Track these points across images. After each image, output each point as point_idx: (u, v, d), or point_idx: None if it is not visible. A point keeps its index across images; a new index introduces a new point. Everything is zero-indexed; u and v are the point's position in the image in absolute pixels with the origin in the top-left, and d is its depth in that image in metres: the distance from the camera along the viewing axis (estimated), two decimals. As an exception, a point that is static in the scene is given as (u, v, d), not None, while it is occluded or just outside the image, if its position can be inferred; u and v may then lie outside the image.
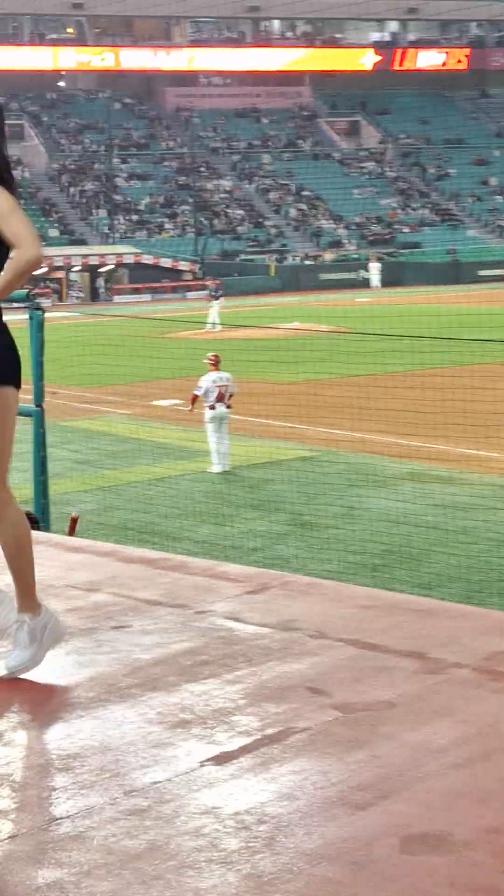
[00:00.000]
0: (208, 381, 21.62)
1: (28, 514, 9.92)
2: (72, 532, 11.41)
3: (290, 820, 3.75)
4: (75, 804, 3.95)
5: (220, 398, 21.46)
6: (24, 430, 11.85)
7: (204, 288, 71.70)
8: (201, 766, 4.19)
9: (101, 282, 74.68)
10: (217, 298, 50.36)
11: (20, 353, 5.10)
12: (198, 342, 35.77)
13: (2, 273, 4.90)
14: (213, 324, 46.35)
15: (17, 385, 5.03)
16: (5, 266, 4.90)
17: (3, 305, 5.07)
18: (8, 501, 5.00)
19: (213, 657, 5.25)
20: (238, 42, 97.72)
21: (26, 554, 5.06)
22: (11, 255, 4.84)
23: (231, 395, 21.61)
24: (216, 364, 21.97)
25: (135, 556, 7.21)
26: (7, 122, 5.27)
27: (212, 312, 48.63)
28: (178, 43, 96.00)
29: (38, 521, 10.13)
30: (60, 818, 3.86)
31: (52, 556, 7.11)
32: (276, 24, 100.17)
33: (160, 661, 5.24)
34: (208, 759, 4.23)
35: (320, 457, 21.17)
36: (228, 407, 21.61)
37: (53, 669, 5.19)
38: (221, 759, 4.23)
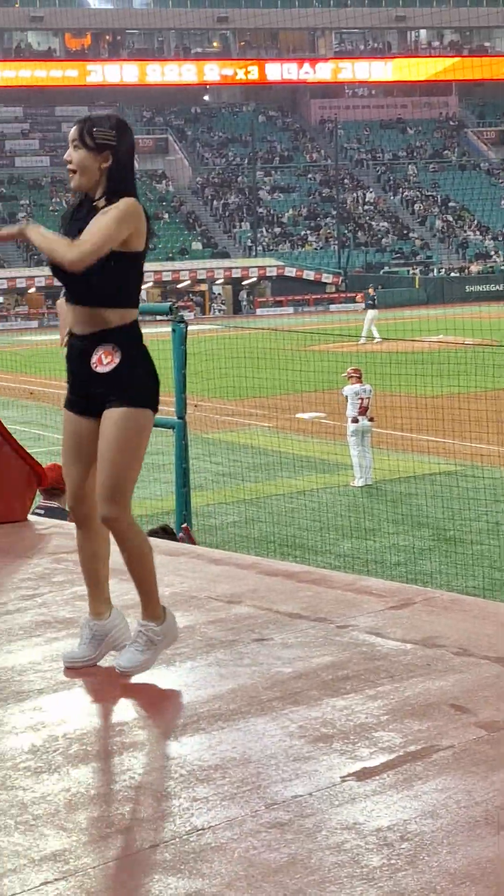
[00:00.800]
0: (351, 393, 21.59)
1: (164, 527, 10.01)
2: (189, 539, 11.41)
3: (434, 838, 3.72)
4: (216, 815, 3.97)
5: (362, 411, 21.41)
6: (166, 441, 11.97)
7: (350, 301, 71.70)
8: (343, 781, 4.17)
9: (243, 294, 75.00)
10: (373, 307, 49.59)
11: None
12: (341, 354, 35.73)
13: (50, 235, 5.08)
14: (369, 336, 45.88)
15: (155, 409, 5.18)
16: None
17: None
18: (132, 523, 5.15)
19: (355, 672, 5.23)
20: (384, 53, 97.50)
21: (147, 563, 5.22)
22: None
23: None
24: (359, 377, 21.93)
25: (276, 568, 7.22)
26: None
27: (367, 322, 48.01)
28: (324, 55, 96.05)
29: (174, 533, 10.18)
30: (202, 829, 3.88)
31: (193, 567, 7.15)
32: (423, 33, 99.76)
33: (301, 674, 5.23)
34: (350, 775, 4.22)
35: (465, 471, 21.00)
36: (371, 420, 21.56)
37: (196, 680, 5.23)
38: (363, 775, 4.21)
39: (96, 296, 5.05)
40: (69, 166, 5.18)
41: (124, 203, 5.04)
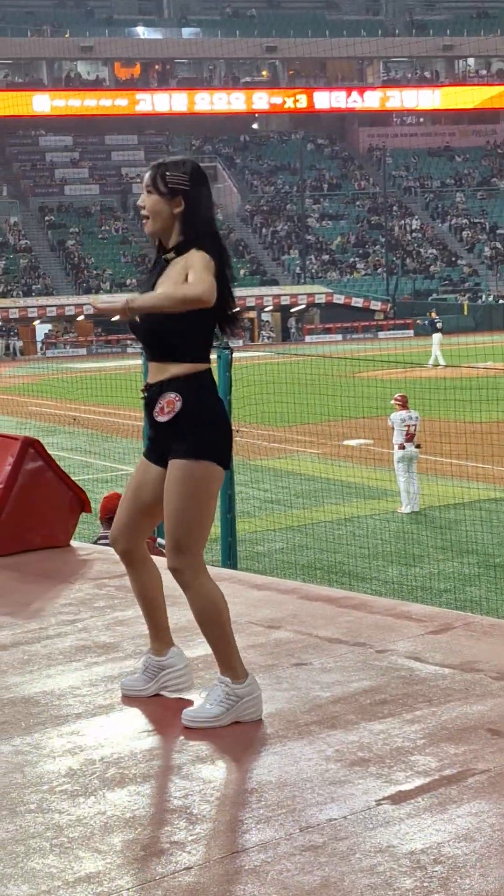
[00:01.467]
0: (397, 419, 21.56)
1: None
2: None
3: (467, 861, 3.72)
4: (251, 838, 3.98)
5: (409, 438, 21.39)
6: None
7: (399, 327, 71.66)
8: (378, 804, 4.18)
9: (292, 322, 75.13)
10: (438, 331, 49.38)
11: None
12: (389, 381, 35.71)
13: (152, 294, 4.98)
14: (435, 362, 45.83)
15: (221, 462, 5.06)
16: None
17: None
18: (200, 576, 5.04)
19: (393, 696, 5.23)
20: (432, 81, 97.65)
21: (222, 623, 5.07)
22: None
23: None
24: (404, 404, 21.91)
25: (317, 593, 7.23)
26: (201, 164, 5.35)
27: (434, 348, 47.88)
28: (372, 83, 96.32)
29: None
30: (236, 851, 3.89)
31: (235, 592, 7.16)
32: (471, 62, 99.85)
33: (339, 698, 5.24)
34: (385, 798, 4.22)
35: (511, 497, 20.93)
36: (418, 447, 21.52)
37: (234, 705, 5.23)
38: (398, 798, 4.21)
39: (167, 348, 5.03)
40: (142, 212, 5.11)
41: (199, 255, 4.94)
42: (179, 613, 6.63)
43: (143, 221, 5.12)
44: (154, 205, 5.06)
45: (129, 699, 5.37)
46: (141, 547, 5.34)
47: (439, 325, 49.69)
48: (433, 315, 52.40)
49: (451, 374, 35.92)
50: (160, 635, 5.38)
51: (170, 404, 5.01)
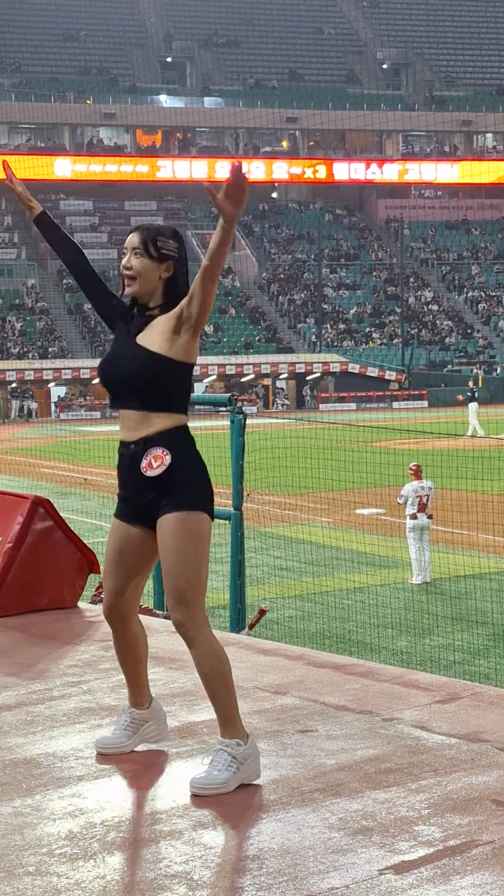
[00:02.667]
0: (410, 490, 21.51)
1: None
2: (254, 624, 11.40)
3: (469, 935, 3.66)
4: (251, 906, 3.92)
5: (421, 508, 21.33)
6: (222, 532, 11.96)
7: (413, 398, 71.76)
8: (381, 874, 4.12)
9: (307, 389, 75.29)
10: (473, 399, 49.29)
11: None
12: (403, 451, 35.70)
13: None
14: (474, 432, 45.70)
15: (210, 513, 5.12)
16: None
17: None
18: (204, 630, 5.03)
19: (399, 765, 5.18)
20: (450, 155, 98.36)
21: (227, 680, 5.06)
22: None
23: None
24: (417, 473, 21.87)
25: (324, 660, 7.18)
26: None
27: (471, 416, 47.74)
28: (391, 156, 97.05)
29: None
30: (235, 920, 3.83)
31: (242, 657, 7.12)
32: (489, 137, 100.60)
33: (345, 766, 5.19)
34: (388, 868, 4.16)
35: (523, 570, 20.82)
36: (430, 517, 21.46)
37: (237, 770, 5.18)
38: (401, 868, 4.15)
39: (150, 401, 5.06)
40: (128, 272, 5.17)
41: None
42: (185, 678, 6.61)
43: (127, 282, 5.19)
44: (144, 268, 5.16)
45: (130, 761, 5.32)
46: (135, 609, 5.36)
47: (473, 394, 49.61)
48: (471, 384, 52.60)
49: (468, 444, 35.92)
50: (144, 689, 5.44)
51: (158, 459, 5.04)
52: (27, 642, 7.63)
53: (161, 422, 5.06)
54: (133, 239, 5.21)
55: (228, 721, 5.05)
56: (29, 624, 8.04)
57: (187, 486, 5.04)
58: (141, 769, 5.26)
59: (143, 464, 5.06)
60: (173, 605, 5.02)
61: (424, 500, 21.37)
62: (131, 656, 5.36)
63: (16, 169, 5.87)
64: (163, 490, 5.03)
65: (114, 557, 5.23)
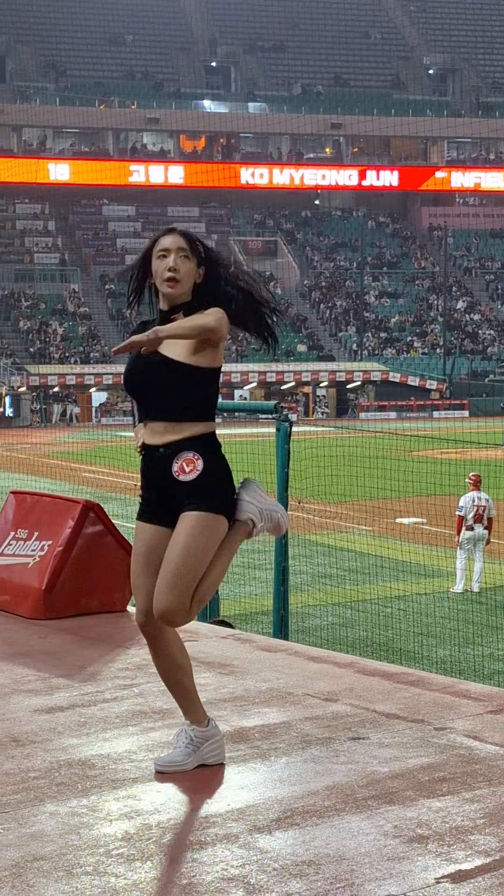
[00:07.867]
0: (468, 500, 21.39)
1: (222, 620, 9.99)
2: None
3: (528, 944, 3.67)
4: (309, 911, 3.94)
5: (478, 518, 21.25)
6: (266, 539, 11.98)
7: (454, 408, 71.52)
8: (437, 882, 4.13)
9: (347, 398, 75.20)
10: None
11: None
12: (444, 461, 35.60)
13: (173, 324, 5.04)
14: None
15: (230, 518, 5.18)
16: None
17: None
18: (189, 616, 5.12)
19: (452, 774, 5.19)
20: (496, 163, 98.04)
21: (190, 670, 5.29)
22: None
23: (490, 518, 21.32)
24: (476, 484, 21.74)
25: (374, 668, 7.19)
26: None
27: None
28: (435, 163, 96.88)
29: (232, 625, 10.09)
30: (294, 924, 3.85)
31: (291, 664, 7.14)
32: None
33: (398, 774, 5.20)
34: (445, 876, 4.17)
35: None
36: (486, 528, 21.35)
37: (290, 776, 5.21)
38: (458, 878, 4.16)
39: (181, 409, 5.08)
40: (174, 275, 5.09)
41: (218, 310, 5.09)
42: (235, 683, 6.64)
43: (170, 284, 5.11)
44: (189, 271, 5.14)
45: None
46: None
47: None
48: None
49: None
50: (197, 704, 5.36)
51: (190, 463, 5.06)
52: (79, 644, 7.68)
53: (190, 427, 5.08)
54: (177, 240, 5.14)
55: (192, 707, 5.32)
56: (80, 626, 8.10)
57: (215, 489, 5.08)
58: (194, 773, 5.28)
59: (175, 468, 5.07)
60: (164, 589, 5.00)
61: (481, 510, 21.26)
62: (174, 666, 5.27)
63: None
64: (192, 492, 5.06)
65: (144, 560, 5.19)
